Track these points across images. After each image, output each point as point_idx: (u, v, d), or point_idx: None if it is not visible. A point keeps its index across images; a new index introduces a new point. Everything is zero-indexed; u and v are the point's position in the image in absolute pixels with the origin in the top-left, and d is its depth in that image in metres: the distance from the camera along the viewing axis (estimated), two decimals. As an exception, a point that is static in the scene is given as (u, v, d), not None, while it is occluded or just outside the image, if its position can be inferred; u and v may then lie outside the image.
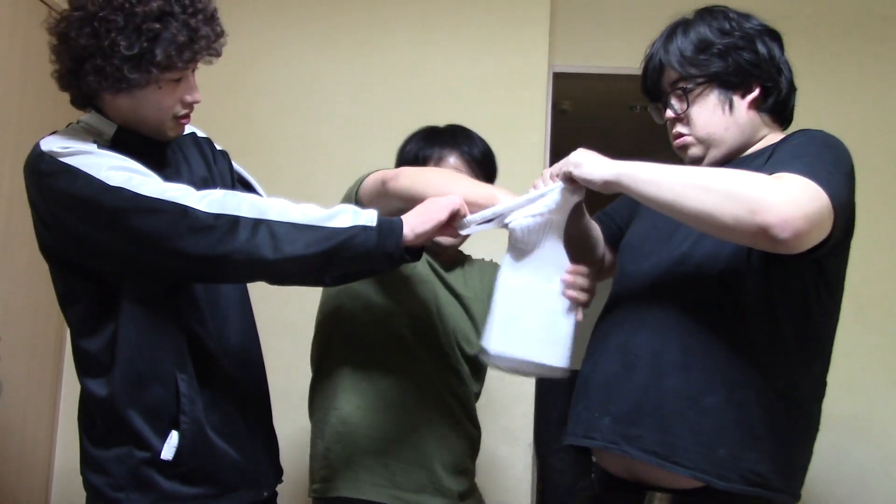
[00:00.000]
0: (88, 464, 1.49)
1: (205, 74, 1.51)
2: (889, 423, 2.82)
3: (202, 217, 1.35)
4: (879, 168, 2.84)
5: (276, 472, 1.70)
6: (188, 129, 1.62)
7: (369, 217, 1.41)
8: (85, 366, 1.49)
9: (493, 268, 1.99)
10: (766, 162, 1.38)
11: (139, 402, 1.45)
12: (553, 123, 2.99)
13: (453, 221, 1.48)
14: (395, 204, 1.57)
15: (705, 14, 1.51)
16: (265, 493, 1.63)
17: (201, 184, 1.54)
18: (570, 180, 1.41)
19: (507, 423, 2.76)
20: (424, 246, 1.50)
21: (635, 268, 1.52)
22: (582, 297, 1.48)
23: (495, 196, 1.50)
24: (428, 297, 1.85)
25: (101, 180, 1.36)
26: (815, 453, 1.46)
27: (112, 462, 1.46)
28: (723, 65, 1.46)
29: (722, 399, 1.35)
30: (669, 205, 1.29)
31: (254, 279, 1.60)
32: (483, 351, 1.46)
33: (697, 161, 1.50)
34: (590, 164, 1.37)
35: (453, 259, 1.96)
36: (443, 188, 1.52)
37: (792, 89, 1.51)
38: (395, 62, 2.95)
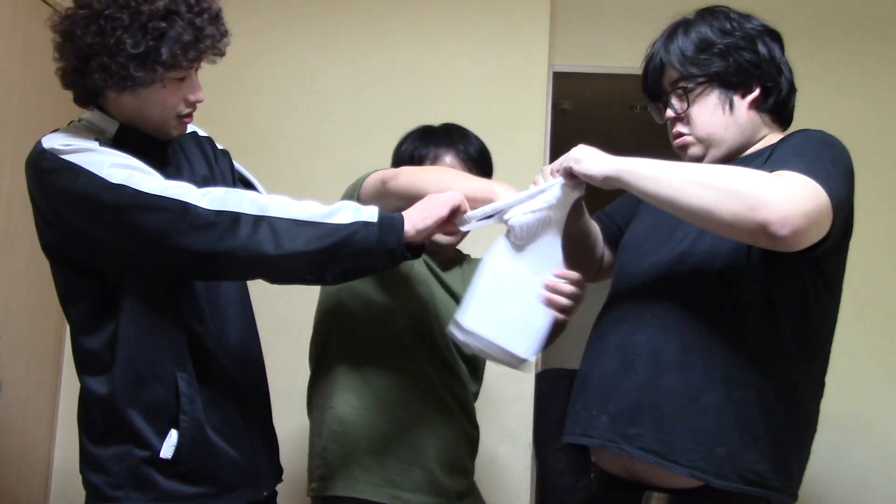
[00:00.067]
0: (88, 462, 1.49)
1: (205, 74, 1.52)
2: (888, 423, 2.82)
3: (203, 214, 1.36)
4: (879, 168, 2.84)
5: (276, 472, 1.70)
6: (189, 129, 1.62)
7: (370, 213, 1.42)
8: (85, 364, 1.49)
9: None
10: (766, 161, 1.39)
11: (139, 400, 1.45)
12: (553, 123, 2.99)
13: (454, 217, 1.48)
14: (396, 203, 1.57)
15: (706, 14, 1.52)
16: (265, 493, 1.63)
17: (202, 183, 1.54)
18: (570, 176, 1.42)
19: (507, 422, 2.76)
20: (425, 243, 1.50)
21: (635, 266, 1.52)
22: (561, 301, 1.47)
23: (493, 191, 1.50)
24: (426, 296, 1.85)
25: (102, 178, 1.36)
26: (815, 453, 1.46)
27: (111, 461, 1.46)
28: (723, 64, 1.46)
29: (721, 398, 1.35)
30: (669, 201, 1.30)
31: (255, 276, 1.60)
32: (455, 323, 1.45)
33: (697, 160, 1.50)
34: (590, 159, 1.38)
35: (451, 258, 1.96)
36: (442, 185, 1.53)
37: (792, 90, 1.52)
38: (395, 62, 2.95)
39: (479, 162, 1.89)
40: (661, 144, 1.58)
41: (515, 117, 2.89)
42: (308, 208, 1.41)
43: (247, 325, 1.66)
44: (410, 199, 1.52)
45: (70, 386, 2.69)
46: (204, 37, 1.42)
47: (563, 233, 1.50)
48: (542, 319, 1.47)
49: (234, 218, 1.36)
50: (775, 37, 1.51)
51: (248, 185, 1.76)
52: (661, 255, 1.47)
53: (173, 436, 1.46)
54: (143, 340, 1.46)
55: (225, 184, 1.64)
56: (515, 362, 1.49)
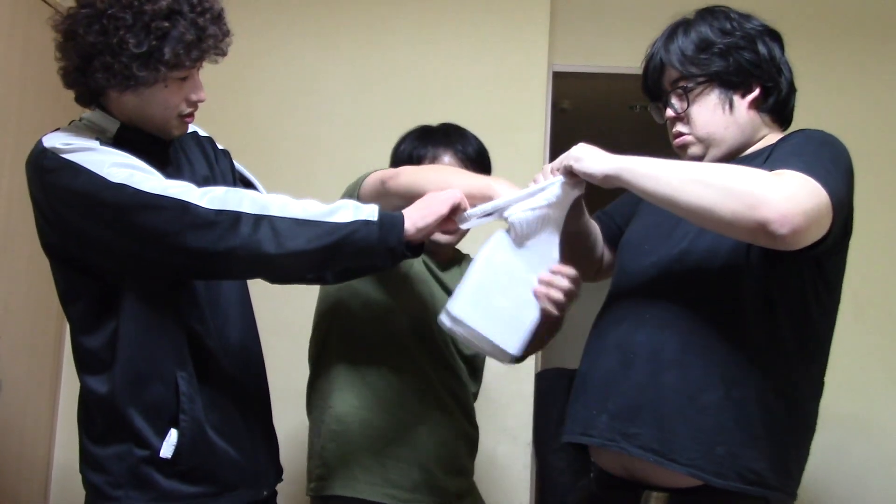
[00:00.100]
0: (88, 462, 1.50)
1: (205, 74, 1.52)
2: (888, 422, 2.82)
3: (203, 213, 1.36)
4: (879, 168, 2.84)
5: (276, 472, 1.70)
6: (190, 129, 1.62)
7: (371, 212, 1.42)
8: (85, 363, 1.49)
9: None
10: (765, 161, 1.39)
11: (139, 400, 1.45)
12: (553, 123, 2.99)
13: (454, 215, 1.48)
14: (396, 202, 1.57)
15: (706, 14, 1.52)
16: (265, 493, 1.63)
17: (203, 182, 1.54)
18: (570, 174, 1.42)
19: (506, 422, 2.76)
20: (425, 242, 1.50)
21: (635, 266, 1.53)
22: (554, 294, 1.47)
23: (492, 187, 1.50)
24: (425, 296, 1.85)
25: (103, 177, 1.36)
26: (814, 453, 1.46)
27: (111, 460, 1.46)
28: (723, 64, 1.46)
29: (720, 396, 1.35)
30: (669, 199, 1.30)
31: (255, 276, 1.60)
32: (445, 311, 1.46)
33: (697, 160, 1.50)
34: (590, 158, 1.38)
35: (450, 258, 1.96)
36: (442, 183, 1.53)
37: (792, 90, 1.52)
38: (395, 62, 2.95)
39: (478, 161, 1.89)
40: (661, 144, 1.58)
41: (515, 117, 2.89)
42: (308, 207, 1.41)
43: (247, 324, 1.66)
44: (410, 198, 1.52)
45: (70, 385, 2.69)
46: (206, 36, 1.42)
47: (562, 232, 1.50)
48: (532, 316, 1.48)
49: (235, 217, 1.37)
50: (775, 37, 1.51)
51: (248, 185, 1.76)
52: (660, 254, 1.47)
53: (173, 435, 1.46)
54: (144, 340, 1.46)
55: (225, 184, 1.64)
56: (501, 355, 1.49)
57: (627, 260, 1.57)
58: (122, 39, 1.36)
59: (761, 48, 1.48)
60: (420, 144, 1.90)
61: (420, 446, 1.81)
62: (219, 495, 1.51)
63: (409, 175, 1.62)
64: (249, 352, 1.65)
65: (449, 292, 1.89)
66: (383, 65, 2.94)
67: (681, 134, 1.52)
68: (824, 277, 1.40)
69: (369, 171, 1.72)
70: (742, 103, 1.48)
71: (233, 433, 1.55)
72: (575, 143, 1.44)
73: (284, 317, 2.52)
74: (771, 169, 1.29)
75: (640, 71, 1.58)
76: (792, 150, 1.36)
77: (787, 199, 1.21)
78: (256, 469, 1.60)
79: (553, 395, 3.06)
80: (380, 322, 1.83)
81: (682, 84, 1.49)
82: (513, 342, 1.47)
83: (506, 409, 2.76)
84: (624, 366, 1.43)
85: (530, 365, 2.76)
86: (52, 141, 1.42)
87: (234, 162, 1.75)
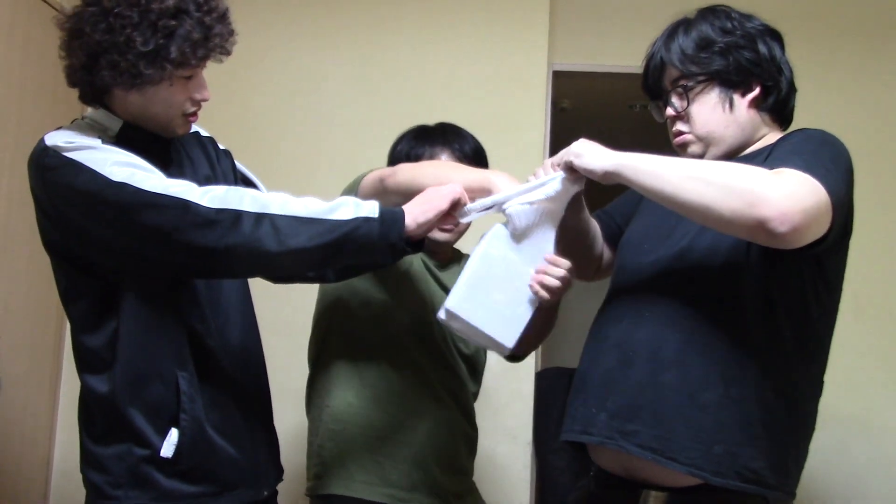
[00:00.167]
0: (88, 461, 1.49)
1: (205, 74, 1.52)
2: (888, 421, 2.82)
3: (204, 212, 1.36)
4: (879, 168, 2.84)
5: (277, 471, 1.70)
6: (192, 129, 1.62)
7: (371, 208, 1.42)
8: (86, 362, 1.49)
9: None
10: (765, 160, 1.39)
11: (139, 399, 1.45)
12: (553, 122, 3.00)
13: (454, 210, 1.49)
14: (395, 200, 1.57)
15: (707, 13, 1.52)
16: (265, 492, 1.63)
17: (205, 182, 1.54)
18: (570, 170, 1.42)
19: (506, 421, 2.76)
20: (425, 238, 1.50)
21: (635, 264, 1.53)
22: (548, 280, 1.47)
23: (490, 180, 1.51)
24: (424, 295, 1.85)
25: (104, 175, 1.36)
26: (814, 452, 1.46)
27: (111, 459, 1.46)
28: (724, 63, 1.47)
29: (719, 395, 1.35)
30: (668, 196, 1.30)
31: (257, 274, 1.60)
32: (442, 306, 1.47)
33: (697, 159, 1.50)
34: (591, 154, 1.39)
35: (449, 257, 1.96)
36: (440, 178, 1.53)
37: (792, 89, 1.52)
38: (396, 62, 2.95)
39: (475, 160, 1.89)
40: (661, 143, 1.58)
41: (515, 116, 2.89)
42: (309, 205, 1.41)
43: (248, 324, 1.66)
44: (409, 195, 1.52)
45: (70, 385, 2.69)
46: (213, 35, 1.43)
47: (561, 228, 1.50)
48: (527, 309, 1.49)
49: (236, 215, 1.37)
50: (776, 36, 1.52)
51: (250, 184, 1.76)
52: (660, 252, 1.48)
53: (174, 435, 1.46)
54: (144, 339, 1.46)
55: (227, 184, 1.64)
56: (497, 348, 1.51)
57: (627, 259, 1.57)
58: (128, 37, 1.36)
59: (762, 47, 1.48)
60: (417, 144, 1.90)
61: (418, 446, 1.81)
62: (219, 495, 1.51)
63: (407, 172, 1.62)
64: (250, 351, 1.65)
65: (448, 291, 1.89)
66: (383, 65, 2.95)
67: (681, 133, 1.52)
68: (824, 277, 1.40)
69: (367, 171, 1.72)
70: (742, 102, 1.48)
71: (233, 433, 1.55)
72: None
73: (285, 316, 2.52)
74: (770, 168, 1.29)
75: (639, 70, 1.58)
76: (792, 149, 1.36)
77: (786, 197, 1.21)
78: (257, 469, 1.60)
79: (553, 394, 3.06)
80: (379, 321, 1.83)
81: (682, 83, 1.49)
82: (508, 335, 1.48)
83: (505, 408, 2.76)
84: (623, 364, 1.43)
85: (530, 364, 2.76)
86: (54, 139, 1.42)
87: (236, 162, 1.75)
